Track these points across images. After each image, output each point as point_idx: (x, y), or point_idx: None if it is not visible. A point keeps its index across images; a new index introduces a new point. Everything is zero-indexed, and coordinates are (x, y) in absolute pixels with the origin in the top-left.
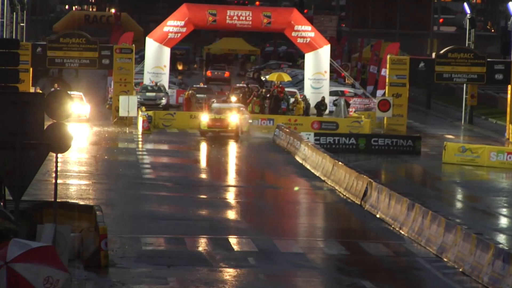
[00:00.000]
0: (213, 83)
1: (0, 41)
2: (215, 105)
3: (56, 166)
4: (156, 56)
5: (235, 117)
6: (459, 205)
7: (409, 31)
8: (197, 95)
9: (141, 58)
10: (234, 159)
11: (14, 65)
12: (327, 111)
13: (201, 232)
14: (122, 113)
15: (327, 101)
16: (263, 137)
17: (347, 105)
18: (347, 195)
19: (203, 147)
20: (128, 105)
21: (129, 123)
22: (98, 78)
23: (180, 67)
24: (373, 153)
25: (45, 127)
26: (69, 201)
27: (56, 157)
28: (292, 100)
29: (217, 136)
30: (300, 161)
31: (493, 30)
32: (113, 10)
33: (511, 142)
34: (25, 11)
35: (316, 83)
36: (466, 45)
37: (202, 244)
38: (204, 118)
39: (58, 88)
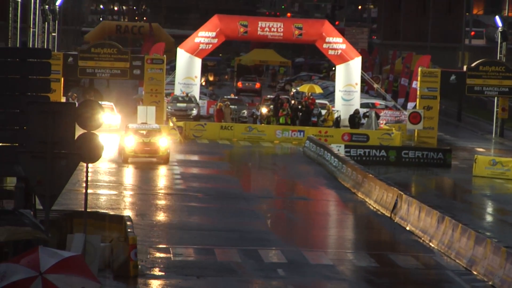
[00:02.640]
0: (244, 94)
1: (32, 50)
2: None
3: (87, 176)
4: (187, 66)
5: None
6: (489, 218)
7: (440, 43)
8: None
9: (172, 69)
10: (265, 170)
11: (45, 75)
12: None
13: (231, 243)
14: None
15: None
16: (292, 148)
17: (377, 117)
18: (377, 207)
19: (234, 157)
20: (146, 115)
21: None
22: (129, 89)
23: (211, 78)
24: (403, 166)
25: (76, 137)
26: (99, 211)
27: (87, 167)
28: (324, 111)
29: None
30: (330, 173)
31: None
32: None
33: None
34: (56, 21)
35: (347, 95)
36: (498, 58)
37: (232, 255)
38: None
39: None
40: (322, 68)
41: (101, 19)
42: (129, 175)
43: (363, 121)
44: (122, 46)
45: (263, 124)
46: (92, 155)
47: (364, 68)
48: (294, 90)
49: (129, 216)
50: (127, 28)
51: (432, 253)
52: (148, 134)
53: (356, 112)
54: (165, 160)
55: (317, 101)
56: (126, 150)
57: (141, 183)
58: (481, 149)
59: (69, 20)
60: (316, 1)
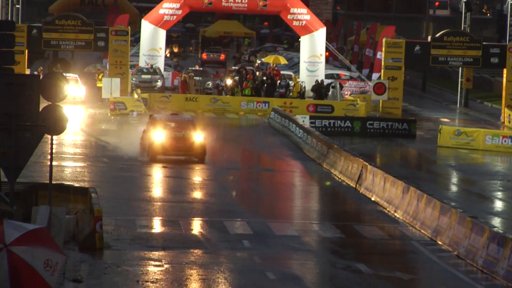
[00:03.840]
0: (208, 65)
1: None
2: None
3: (52, 148)
4: (152, 38)
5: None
6: (454, 188)
7: (404, 14)
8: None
9: (136, 40)
10: (230, 142)
11: (9, 47)
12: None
13: (196, 215)
14: (105, 95)
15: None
16: (258, 119)
17: (341, 87)
18: (342, 178)
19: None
20: (111, 87)
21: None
22: (93, 61)
23: (175, 50)
24: (368, 136)
25: (41, 109)
26: (64, 183)
27: (52, 139)
28: (290, 83)
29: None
30: (295, 144)
31: (488, 14)
32: None
33: (506, 125)
34: None
35: (311, 66)
36: (462, 28)
37: (197, 227)
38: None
39: (59, 69)
40: (284, 38)
41: None
42: (94, 147)
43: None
44: (86, 18)
45: (228, 96)
46: (57, 127)
47: (329, 39)
48: (259, 62)
49: (94, 188)
50: (92, 0)
51: (397, 223)
52: (180, 127)
53: (321, 82)
54: (201, 159)
55: (282, 72)
56: (155, 147)
57: (106, 155)
58: (445, 120)
59: None
60: None
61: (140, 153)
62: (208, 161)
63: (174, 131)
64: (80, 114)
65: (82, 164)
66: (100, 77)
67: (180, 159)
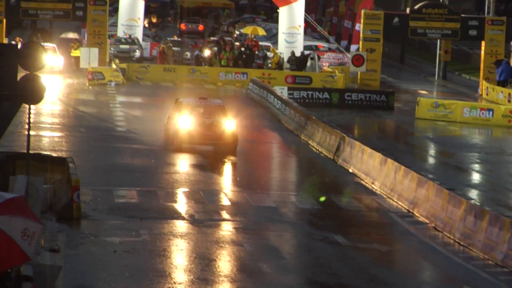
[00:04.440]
0: (187, 36)
1: None
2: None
3: (29, 118)
4: (130, 8)
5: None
6: (431, 160)
7: None
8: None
9: (115, 10)
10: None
11: None
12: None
13: (174, 185)
14: (83, 64)
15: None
16: (236, 90)
17: (318, 59)
18: (320, 150)
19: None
20: (89, 57)
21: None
22: (72, 30)
23: (154, 20)
24: (346, 108)
25: (18, 78)
26: (42, 152)
27: (29, 109)
28: (269, 54)
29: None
30: (274, 115)
31: None
32: None
33: (484, 98)
34: None
35: (290, 37)
36: (441, 1)
37: (175, 197)
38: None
39: (39, 39)
40: (262, 9)
41: None
42: (72, 117)
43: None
44: None
45: (206, 66)
46: (35, 96)
47: (307, 10)
48: (238, 32)
49: (71, 158)
50: None
51: (374, 195)
52: (209, 113)
53: (301, 54)
54: (232, 149)
55: (260, 43)
56: (181, 135)
57: (85, 125)
58: (423, 92)
59: None
60: None
61: (164, 142)
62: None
63: (202, 118)
64: (58, 83)
65: (59, 134)
66: (75, 45)
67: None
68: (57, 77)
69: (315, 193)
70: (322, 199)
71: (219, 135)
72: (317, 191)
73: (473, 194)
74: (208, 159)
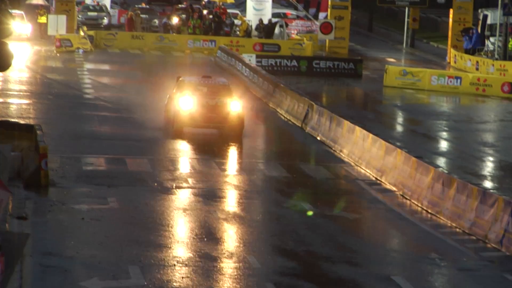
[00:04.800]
0: (155, 3)
1: None
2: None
3: None
4: None
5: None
6: (399, 128)
7: None
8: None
9: None
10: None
11: None
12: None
13: (142, 153)
14: (51, 32)
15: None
16: (204, 58)
17: (286, 26)
18: (288, 117)
19: (145, 67)
20: (57, 24)
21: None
22: None
23: None
24: (314, 76)
25: None
26: (10, 120)
27: None
28: (237, 21)
29: None
30: (242, 83)
31: None
32: None
33: (452, 65)
34: None
35: (258, 4)
36: None
37: (143, 165)
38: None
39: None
40: None
41: None
42: (40, 84)
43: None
44: None
45: (174, 34)
46: (2, 63)
47: None
48: (206, 0)
49: (39, 125)
50: None
51: (342, 163)
52: (213, 93)
53: (269, 21)
54: (238, 132)
55: (228, 10)
56: (182, 117)
57: (53, 92)
58: (392, 60)
59: None
60: None
61: (164, 124)
62: (154, 99)
63: (205, 98)
64: (25, 51)
65: (27, 101)
66: (42, 12)
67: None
68: (25, 44)
69: (283, 161)
70: (310, 213)
71: (224, 118)
72: (285, 159)
73: (441, 162)
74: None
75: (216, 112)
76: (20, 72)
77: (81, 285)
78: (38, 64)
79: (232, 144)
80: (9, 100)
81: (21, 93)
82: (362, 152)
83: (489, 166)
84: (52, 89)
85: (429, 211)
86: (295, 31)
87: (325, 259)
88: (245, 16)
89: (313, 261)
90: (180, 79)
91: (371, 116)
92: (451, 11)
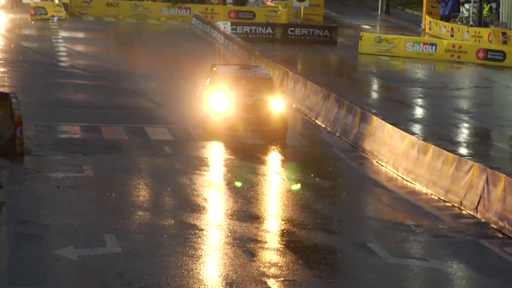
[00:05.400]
0: None
1: None
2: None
3: None
4: None
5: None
6: (375, 95)
7: None
8: None
9: None
10: (152, 48)
11: None
12: None
13: (117, 121)
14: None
15: None
16: (179, 25)
17: None
18: None
19: (120, 35)
20: None
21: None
22: None
23: None
24: (289, 43)
25: None
26: None
27: None
28: None
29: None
30: (216, 51)
31: None
32: None
33: (427, 32)
34: None
35: None
36: None
37: (118, 133)
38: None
39: None
40: None
41: None
42: (15, 52)
43: None
44: None
45: (149, 1)
46: None
47: None
48: None
49: (14, 93)
50: None
51: (318, 130)
52: (252, 89)
53: None
54: (281, 137)
55: None
56: (213, 118)
57: (28, 60)
58: (366, 26)
59: None
60: None
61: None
62: (129, 67)
63: (242, 95)
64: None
65: (2, 70)
66: None
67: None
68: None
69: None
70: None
71: (264, 120)
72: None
73: (416, 128)
74: (148, 95)
75: (254, 112)
76: None
77: (56, 253)
78: (12, 32)
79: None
80: None
81: None
82: (338, 119)
83: (464, 132)
84: (27, 57)
85: (405, 178)
86: None
87: (301, 226)
88: None
89: (289, 228)
90: (214, 69)
91: (346, 83)
92: None
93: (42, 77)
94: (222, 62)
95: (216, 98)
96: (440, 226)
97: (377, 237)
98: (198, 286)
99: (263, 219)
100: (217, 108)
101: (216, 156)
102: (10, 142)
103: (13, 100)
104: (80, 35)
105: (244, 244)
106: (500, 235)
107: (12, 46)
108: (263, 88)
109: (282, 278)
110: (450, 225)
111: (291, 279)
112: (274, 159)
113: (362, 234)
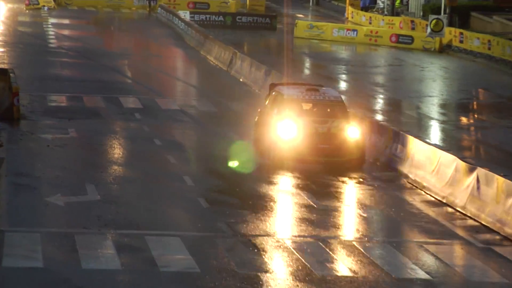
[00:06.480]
0: None
1: None
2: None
3: None
4: None
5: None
6: (307, 71)
7: None
8: None
9: None
10: (125, 32)
11: None
12: None
13: (96, 92)
14: None
15: None
16: (147, 14)
17: None
18: (216, 63)
19: (98, 21)
20: None
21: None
22: None
23: None
24: (237, 29)
25: None
26: None
27: None
28: None
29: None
30: (178, 35)
31: None
32: None
33: (349, 20)
34: None
35: None
36: None
37: (97, 102)
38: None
39: None
40: None
41: None
42: (12, 35)
43: None
44: None
45: None
46: None
47: None
48: None
49: (12, 69)
50: None
51: (260, 99)
52: (323, 114)
53: None
54: (357, 167)
55: None
56: (282, 149)
57: (23, 42)
58: (300, 15)
59: None
60: None
61: (255, 149)
62: (106, 47)
63: (313, 123)
64: (0, 8)
65: (2, 49)
66: None
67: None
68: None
69: (213, 99)
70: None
71: (338, 149)
72: (214, 97)
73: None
74: (122, 71)
75: (328, 141)
76: None
77: (46, 200)
78: (10, 19)
79: (170, 84)
80: None
81: None
82: None
83: (380, 102)
84: (22, 40)
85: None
86: None
87: (247, 179)
88: None
89: (237, 180)
90: (275, 89)
91: (284, 61)
92: None
93: (35, 56)
94: (182, 44)
95: (283, 127)
96: (361, 179)
97: None
98: (164, 223)
99: (217, 173)
100: (285, 137)
101: (171, 123)
102: (8, 109)
103: (11, 74)
104: (66, 21)
105: (201, 193)
106: None
107: (10, 30)
108: (335, 113)
109: None
110: (369, 178)
111: None
112: (224, 122)
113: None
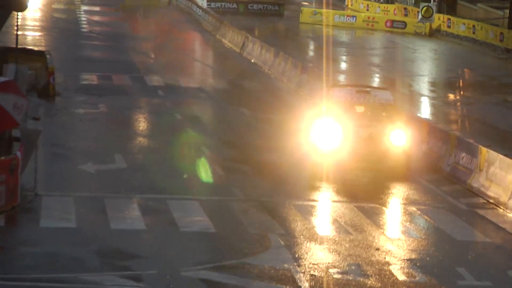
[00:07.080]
0: None
1: None
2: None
3: (17, 21)
4: None
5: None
6: (311, 53)
7: None
8: None
9: None
10: (149, 19)
11: None
12: None
13: (124, 72)
14: None
15: None
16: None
17: None
18: (230, 46)
19: (126, 9)
20: None
21: None
22: None
23: None
24: (249, 15)
25: None
26: (27, 47)
27: (17, 15)
28: None
29: None
30: (196, 21)
31: None
32: None
33: (349, 7)
34: None
35: None
36: None
37: (124, 80)
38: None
39: None
40: None
41: None
42: (49, 21)
43: None
44: None
45: None
46: (21, 5)
47: None
48: None
49: (48, 51)
50: None
51: (270, 79)
52: (369, 118)
53: None
54: (401, 177)
55: None
56: (319, 154)
57: (57, 27)
58: (306, 3)
59: None
60: None
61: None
62: (134, 32)
63: (356, 126)
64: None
65: (40, 34)
66: None
67: None
68: None
69: (228, 78)
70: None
71: (381, 156)
72: (228, 76)
73: (342, 78)
74: (146, 52)
75: (370, 147)
76: (34, 12)
77: (79, 167)
78: (47, 6)
79: (189, 64)
80: (26, 33)
81: (35, 27)
82: (284, 71)
83: (376, 81)
84: (57, 25)
85: None
86: None
87: (257, 149)
88: None
89: (249, 151)
90: (333, 89)
91: (291, 44)
92: None
93: (68, 40)
94: (199, 28)
95: (322, 128)
96: None
97: None
98: (183, 189)
99: (231, 144)
100: (323, 140)
101: (191, 99)
102: (45, 87)
103: (47, 56)
104: (97, 8)
105: (218, 162)
106: None
107: (46, 16)
108: (382, 116)
109: None
110: None
111: None
112: (237, 99)
113: None
